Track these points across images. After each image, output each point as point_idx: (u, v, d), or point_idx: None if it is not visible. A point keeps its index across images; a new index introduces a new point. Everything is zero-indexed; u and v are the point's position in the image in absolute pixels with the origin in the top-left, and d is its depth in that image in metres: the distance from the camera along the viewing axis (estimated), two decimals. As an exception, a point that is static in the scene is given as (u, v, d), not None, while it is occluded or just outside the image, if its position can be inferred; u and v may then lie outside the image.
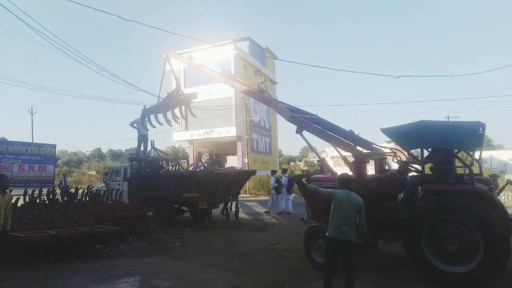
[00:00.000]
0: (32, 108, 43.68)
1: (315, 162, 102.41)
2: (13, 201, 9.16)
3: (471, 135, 6.34)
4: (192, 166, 13.74)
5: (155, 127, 13.64)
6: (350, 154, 7.20)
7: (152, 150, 13.97)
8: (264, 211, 15.48)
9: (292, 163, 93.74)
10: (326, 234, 5.36)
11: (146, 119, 13.45)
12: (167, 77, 13.08)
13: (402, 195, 6.87)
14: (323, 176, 7.83)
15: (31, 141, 27.81)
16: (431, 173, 6.71)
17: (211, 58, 31.11)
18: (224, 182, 11.65)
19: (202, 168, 13.43)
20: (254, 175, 13.23)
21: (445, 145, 6.45)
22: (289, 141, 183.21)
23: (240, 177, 12.64)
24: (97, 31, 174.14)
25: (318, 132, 7.86)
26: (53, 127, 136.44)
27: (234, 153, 32.94)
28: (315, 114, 8.99)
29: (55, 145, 11.70)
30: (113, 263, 7.43)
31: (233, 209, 13.11)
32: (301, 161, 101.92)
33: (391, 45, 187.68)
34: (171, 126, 13.53)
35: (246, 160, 30.52)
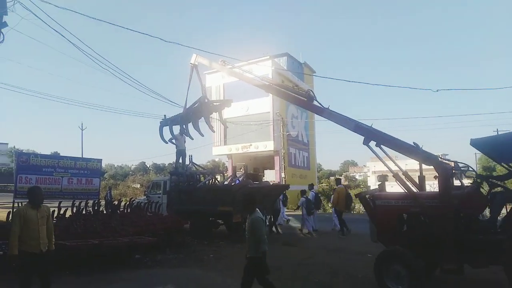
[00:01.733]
0: (82, 124, 46.52)
1: (356, 177, 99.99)
2: (61, 212, 10.01)
3: None
4: (229, 180, 14.10)
5: (181, 137, 13.53)
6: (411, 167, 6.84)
7: (190, 164, 14.49)
8: (298, 228, 15.49)
9: (332, 177, 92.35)
10: None
11: (174, 129, 13.19)
12: (196, 85, 12.91)
13: (489, 213, 6.38)
14: (394, 192, 6.89)
15: (81, 155, 29.66)
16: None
17: (249, 74, 31.95)
18: (258, 196, 11.84)
19: (237, 182, 13.74)
20: (287, 189, 13.34)
21: None
22: (329, 156, 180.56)
23: (273, 191, 12.81)
24: (141, 52, 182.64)
25: (390, 142, 6.89)
26: (102, 142, 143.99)
27: (271, 167, 33.18)
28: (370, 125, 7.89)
29: (101, 159, 12.49)
30: (149, 272, 7.84)
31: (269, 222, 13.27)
32: (341, 176, 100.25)
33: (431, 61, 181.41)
34: (203, 136, 13.12)
35: (283, 175, 30.60)
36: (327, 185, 44.57)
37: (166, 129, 13.51)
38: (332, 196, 14.16)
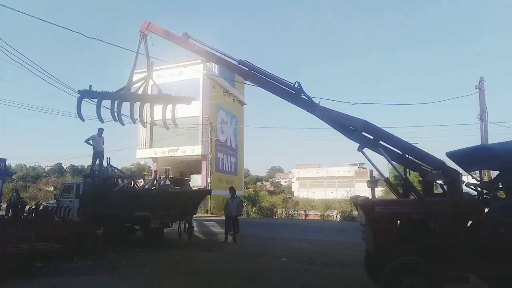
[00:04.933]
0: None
1: (282, 183, 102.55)
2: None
3: None
4: (148, 184, 13.59)
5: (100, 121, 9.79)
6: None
7: (108, 167, 13.73)
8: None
9: (259, 183, 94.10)
10: None
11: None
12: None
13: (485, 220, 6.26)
14: (396, 199, 6.57)
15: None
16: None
17: (179, 77, 31.33)
18: (178, 201, 11.60)
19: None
20: (210, 194, 13.22)
21: None
22: (257, 162, 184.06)
23: (195, 197, 12.62)
24: (62, 45, 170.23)
25: (397, 142, 6.39)
26: (14, 141, 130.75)
27: (198, 172, 32.79)
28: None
29: (5, 159, 11.31)
30: (52, 282, 7.21)
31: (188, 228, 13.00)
32: (267, 182, 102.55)
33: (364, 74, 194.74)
34: (135, 123, 10.39)
35: (209, 179, 30.41)
36: (253, 191, 45.25)
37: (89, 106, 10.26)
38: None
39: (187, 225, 12.68)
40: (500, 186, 6.76)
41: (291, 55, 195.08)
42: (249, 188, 58.30)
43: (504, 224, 5.96)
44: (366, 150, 6.39)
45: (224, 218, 13.36)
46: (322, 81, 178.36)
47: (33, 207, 11.27)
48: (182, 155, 32.45)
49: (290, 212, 32.10)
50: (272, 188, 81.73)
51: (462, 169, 6.74)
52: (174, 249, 11.24)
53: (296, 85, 6.98)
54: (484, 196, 6.85)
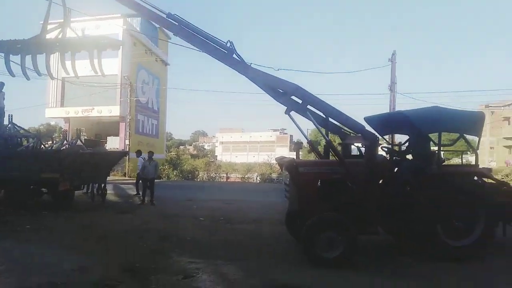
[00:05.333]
0: None
1: (205, 147, 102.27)
2: None
3: (480, 123, 6.87)
4: (57, 145, 12.60)
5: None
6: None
7: (10, 125, 12.39)
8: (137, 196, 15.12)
9: (182, 147, 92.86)
10: None
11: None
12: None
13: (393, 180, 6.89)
14: (318, 160, 7.06)
15: None
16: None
17: (96, 31, 28.68)
18: (90, 162, 10.98)
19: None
20: (126, 156, 12.76)
21: (459, 131, 6.90)
22: (180, 125, 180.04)
23: (109, 158, 12.05)
24: None
25: (325, 107, 6.59)
26: None
27: (117, 134, 31.26)
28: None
29: None
30: None
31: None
32: (191, 146, 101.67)
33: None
34: (53, 78, 10.46)
35: (127, 142, 29.21)
36: (175, 154, 44.63)
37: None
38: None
39: (100, 187, 12.15)
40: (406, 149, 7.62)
41: (216, 18, 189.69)
42: (171, 152, 57.36)
43: (409, 183, 6.74)
44: (292, 113, 6.60)
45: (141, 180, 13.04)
46: (248, 47, 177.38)
47: None
48: (98, 115, 30.61)
49: (212, 175, 32.44)
50: (195, 152, 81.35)
51: (377, 133, 7.27)
52: (86, 212, 10.76)
53: (229, 44, 6.77)
54: (395, 158, 7.63)
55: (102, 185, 12.23)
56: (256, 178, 30.25)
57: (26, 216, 9.73)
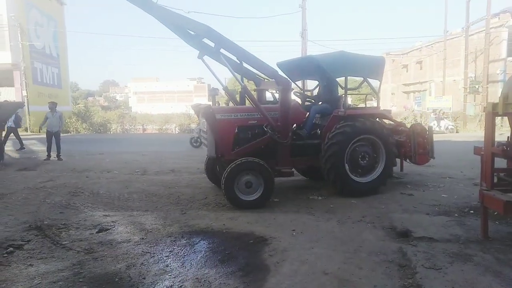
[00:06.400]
0: None
1: (117, 98, 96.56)
2: None
3: (381, 67, 7.42)
4: None
5: None
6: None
7: None
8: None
9: (90, 98, 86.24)
10: None
11: None
12: None
13: (305, 123, 7.17)
14: (234, 106, 7.14)
15: None
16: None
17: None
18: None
19: None
20: (22, 108, 11.43)
21: (362, 75, 7.27)
22: (87, 74, 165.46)
23: (1, 111, 10.66)
24: None
25: (238, 51, 6.42)
26: None
27: (11, 84, 27.66)
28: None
29: None
30: None
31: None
32: (101, 96, 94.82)
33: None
34: None
35: (25, 93, 26.12)
36: (84, 106, 41.30)
37: None
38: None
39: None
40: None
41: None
42: (79, 104, 53.02)
43: (319, 126, 7.12)
44: (206, 58, 6.44)
45: (45, 134, 11.90)
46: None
47: None
48: (-15, 62, 26.58)
49: (126, 127, 30.93)
50: (106, 104, 76.25)
51: (290, 78, 7.45)
52: (-20, 171, 9.63)
53: None
54: (306, 103, 8.04)
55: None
56: (175, 129, 29.57)
57: None
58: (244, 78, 7.34)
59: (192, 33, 6.45)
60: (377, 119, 7.32)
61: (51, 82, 32.91)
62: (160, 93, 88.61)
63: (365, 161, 6.84)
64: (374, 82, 7.71)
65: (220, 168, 7.26)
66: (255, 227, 5.11)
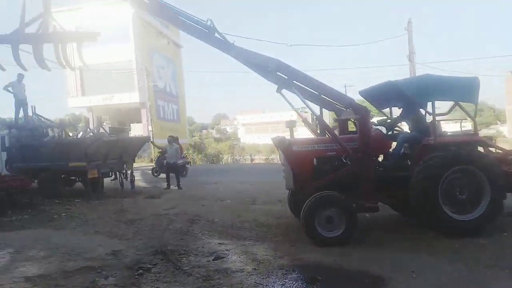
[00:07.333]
0: None
1: (227, 130, 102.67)
2: None
3: (475, 89, 6.49)
4: (81, 134, 12.92)
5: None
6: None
7: (34, 116, 12.76)
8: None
9: (204, 131, 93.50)
10: None
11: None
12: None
13: (391, 152, 6.79)
14: (310, 138, 7.02)
15: None
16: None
17: (105, 17, 28.66)
18: (115, 150, 11.22)
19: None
20: (148, 142, 12.96)
21: (453, 98, 6.64)
22: (201, 109, 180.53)
23: (132, 145, 12.26)
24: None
25: (310, 82, 6.47)
26: None
27: (139, 120, 31.71)
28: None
29: None
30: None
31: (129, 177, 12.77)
32: (213, 129, 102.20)
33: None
34: (45, 68, 9.29)
35: (150, 128, 29.58)
36: (199, 138, 45.03)
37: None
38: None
39: (128, 174, 12.43)
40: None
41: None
42: (194, 136, 57.90)
43: (407, 156, 6.60)
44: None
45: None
46: (259, 28, 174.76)
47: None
48: (119, 103, 31.04)
49: (236, 157, 32.63)
50: (218, 135, 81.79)
51: (374, 106, 7.12)
52: (116, 198, 11.07)
53: (209, 23, 6.68)
54: (394, 131, 7.39)
55: (130, 171, 12.49)
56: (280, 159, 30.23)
57: (61, 204, 10.10)
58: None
59: (270, 68, 6.58)
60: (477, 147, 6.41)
61: (171, 118, 36.76)
62: (266, 123, 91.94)
63: (464, 196, 5.97)
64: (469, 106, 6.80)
65: (301, 202, 7.08)
66: (369, 266, 4.83)
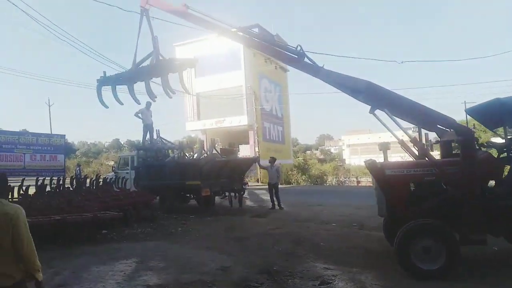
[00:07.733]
0: (49, 100, 44.65)
1: (332, 151, 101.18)
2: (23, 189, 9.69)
3: None
4: (196, 155, 14.06)
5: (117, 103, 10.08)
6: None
7: (158, 139, 14.33)
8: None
9: (308, 151, 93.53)
10: None
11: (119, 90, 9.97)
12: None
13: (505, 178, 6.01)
14: (406, 161, 6.71)
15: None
16: None
17: (220, 47, 31.23)
18: (225, 169, 11.92)
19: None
20: (256, 162, 13.44)
21: None
22: (305, 130, 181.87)
23: (242, 165, 12.87)
24: (104, 24, 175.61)
25: (404, 102, 6.18)
26: (73, 119, 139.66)
27: (246, 142, 33.23)
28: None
29: (64, 135, 12.26)
30: (115, 246, 7.80)
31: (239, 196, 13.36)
32: (317, 150, 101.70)
33: (403, 31, 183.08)
34: (154, 101, 10.64)
35: (257, 149, 30.73)
36: (303, 159, 45.21)
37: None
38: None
39: (237, 193, 13.05)
40: None
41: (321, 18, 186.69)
42: (298, 157, 58.29)
43: None
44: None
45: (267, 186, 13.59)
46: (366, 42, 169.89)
47: (94, 179, 12.13)
48: (230, 125, 32.95)
49: (341, 179, 31.80)
50: (322, 156, 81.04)
51: (485, 126, 6.26)
52: (226, 216, 11.67)
53: (299, 48, 6.79)
54: (508, 154, 6.20)
55: (239, 191, 13.09)
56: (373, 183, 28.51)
57: (177, 219, 11.04)
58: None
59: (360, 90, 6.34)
60: None
61: (277, 139, 37.67)
62: (373, 144, 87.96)
63: None
64: None
65: (395, 229, 6.35)
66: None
